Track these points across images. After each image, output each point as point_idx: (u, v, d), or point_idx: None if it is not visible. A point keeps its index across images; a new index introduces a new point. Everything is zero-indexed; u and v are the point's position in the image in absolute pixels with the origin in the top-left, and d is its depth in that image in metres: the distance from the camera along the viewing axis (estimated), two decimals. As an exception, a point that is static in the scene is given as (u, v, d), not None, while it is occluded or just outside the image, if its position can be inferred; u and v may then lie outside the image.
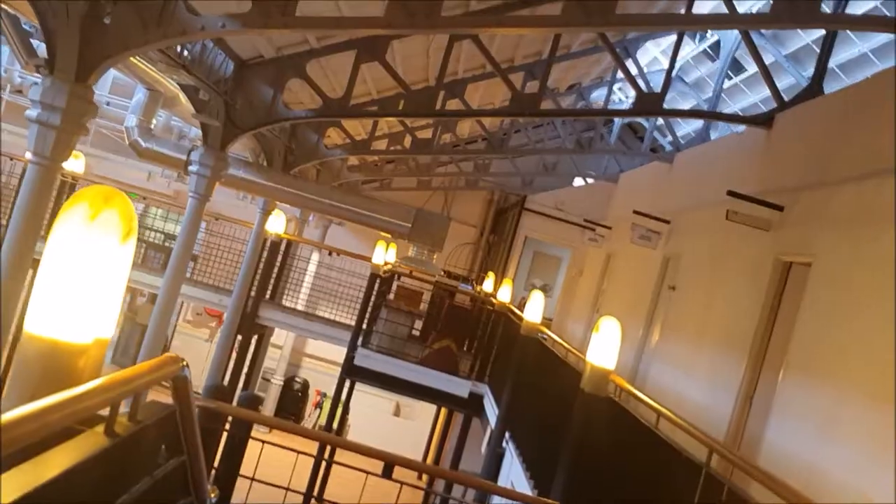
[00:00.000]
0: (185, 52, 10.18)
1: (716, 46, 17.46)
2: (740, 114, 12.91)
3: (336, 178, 19.63)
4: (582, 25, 6.50)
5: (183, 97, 10.81)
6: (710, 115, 12.54)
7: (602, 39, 10.82)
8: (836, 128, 9.16)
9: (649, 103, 10.85)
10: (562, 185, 22.71)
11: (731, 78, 17.02)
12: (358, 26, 6.63)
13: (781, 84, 16.12)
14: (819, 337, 8.17)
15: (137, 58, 8.61)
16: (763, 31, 15.33)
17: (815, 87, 10.83)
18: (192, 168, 11.04)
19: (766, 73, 11.25)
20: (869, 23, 6.87)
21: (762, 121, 11.09)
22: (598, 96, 21.44)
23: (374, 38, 11.00)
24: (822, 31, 13.68)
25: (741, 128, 12.72)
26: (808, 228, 9.04)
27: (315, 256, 21.87)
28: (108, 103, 21.21)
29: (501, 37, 13.38)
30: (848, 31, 12.06)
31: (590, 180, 22.38)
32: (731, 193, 9.91)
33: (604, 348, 6.78)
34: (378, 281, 15.50)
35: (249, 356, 18.68)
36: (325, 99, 11.10)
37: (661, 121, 21.06)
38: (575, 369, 8.56)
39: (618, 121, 22.27)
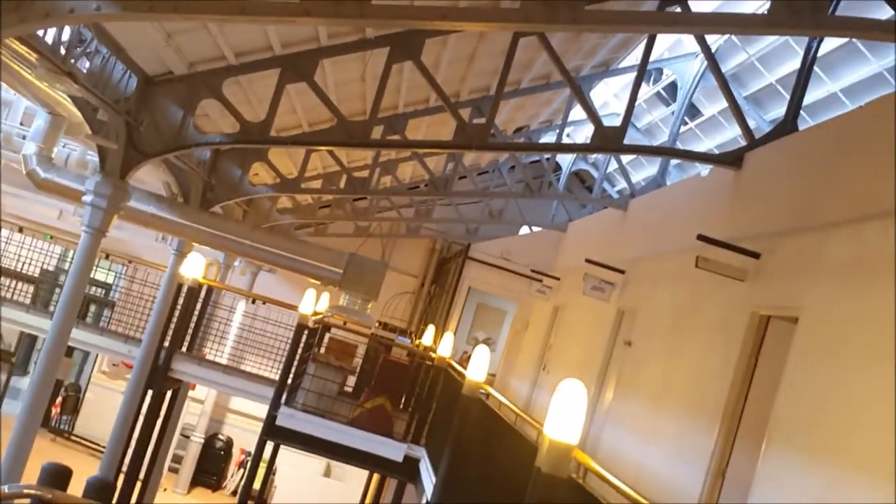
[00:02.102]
0: (83, 66, 8.79)
1: (671, 88, 16.59)
2: (707, 152, 11.83)
3: (265, 221, 18.19)
4: (545, 23, 5.28)
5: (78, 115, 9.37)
6: (675, 152, 11.47)
7: (556, 65, 9.68)
8: (823, 166, 8.09)
9: (608, 139, 9.71)
10: (508, 233, 21.57)
11: (686, 123, 16.13)
12: (269, 13, 5.32)
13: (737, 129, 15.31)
14: (809, 404, 6.97)
15: (10, 58, 7.19)
16: (723, 70, 14.49)
17: (788, 125, 9.83)
18: (86, 199, 9.57)
19: (737, 109, 10.23)
20: (879, 28, 5.78)
21: (731, 160, 10.03)
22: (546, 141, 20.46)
23: (302, 55, 9.75)
24: (794, 67, 12.85)
25: (704, 171, 11.70)
26: (791, 279, 7.90)
27: (242, 306, 20.32)
28: (23, 136, 19.58)
29: (447, 67, 12.24)
30: (816, 69, 11.12)
31: (536, 229, 21.27)
32: (701, 238, 8.76)
33: (565, 418, 5.44)
34: (306, 332, 14.05)
35: (163, 412, 16.99)
36: (243, 123, 9.75)
37: (613, 164, 20.15)
38: (527, 439, 7.23)
39: (566, 168, 21.30)
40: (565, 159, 21.35)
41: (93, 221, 9.53)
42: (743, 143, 12.32)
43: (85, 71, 8.56)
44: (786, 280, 7.98)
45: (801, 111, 10.23)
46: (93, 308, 23.78)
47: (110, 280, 24.39)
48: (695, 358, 9.39)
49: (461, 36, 10.93)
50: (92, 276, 24.18)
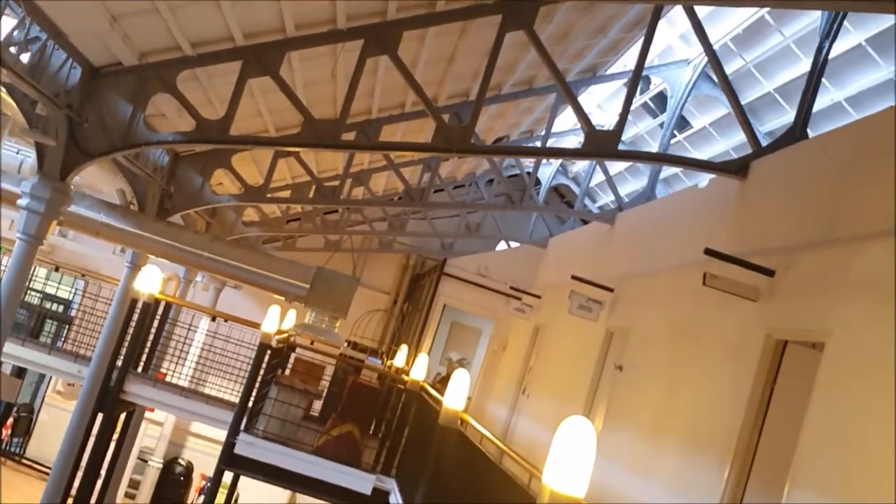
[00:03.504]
0: (20, 55, 7.79)
1: (658, 99, 15.80)
2: (709, 161, 10.99)
3: (230, 234, 17.16)
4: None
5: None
6: (673, 159, 10.64)
7: (544, 60, 8.79)
8: (848, 172, 7.24)
9: (602, 143, 8.82)
10: (485, 249, 20.65)
11: (674, 136, 15.33)
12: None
13: (734, 140, 14.53)
14: (840, 441, 6.08)
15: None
16: (715, 80, 13.71)
17: (797, 132, 9.01)
18: (22, 202, 8.53)
19: (742, 114, 9.39)
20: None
21: (735, 169, 9.18)
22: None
23: (266, 47, 8.78)
24: (794, 75, 12.09)
25: (702, 183, 10.86)
26: (813, 298, 7.02)
27: (204, 324, 19.21)
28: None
29: (424, 68, 11.32)
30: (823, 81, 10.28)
31: (514, 244, 20.37)
32: (709, 253, 7.88)
33: (570, 465, 4.49)
34: (269, 353, 13.03)
35: (116, 436, 15.85)
36: (199, 120, 8.76)
37: (595, 179, 19.32)
38: (514, 480, 6.27)
39: (545, 183, 20.45)
40: (545, 174, 20.54)
41: (28, 228, 8.49)
42: (735, 155, 11.55)
43: (19, 58, 7.56)
44: (806, 300, 7.11)
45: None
46: (51, 326, 22.53)
47: (70, 297, 23.19)
48: (699, 385, 8.49)
49: (441, 31, 10.03)
50: (52, 292, 23.29)
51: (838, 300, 6.58)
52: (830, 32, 9.32)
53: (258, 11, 8.45)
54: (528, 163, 18.23)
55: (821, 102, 11.73)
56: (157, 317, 15.44)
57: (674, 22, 13.27)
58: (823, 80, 11.04)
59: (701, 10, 10.73)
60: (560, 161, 20.46)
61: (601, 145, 8.89)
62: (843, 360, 6.31)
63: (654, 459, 8.96)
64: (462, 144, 8.68)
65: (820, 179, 7.72)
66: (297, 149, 11.11)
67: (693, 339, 8.97)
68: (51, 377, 23.55)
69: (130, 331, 13.81)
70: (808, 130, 9.15)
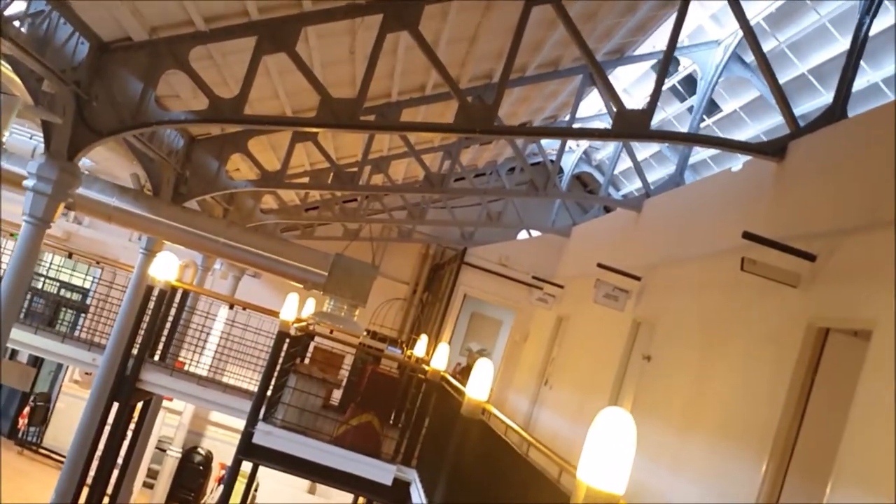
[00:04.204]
0: (22, 28, 7.50)
1: (686, 83, 15.35)
2: (745, 142, 10.55)
3: (248, 221, 16.87)
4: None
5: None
6: (707, 140, 10.19)
7: (574, 38, 8.40)
8: (892, 152, 6.81)
9: (633, 123, 8.42)
10: (506, 238, 20.25)
11: (703, 120, 14.87)
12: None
13: (765, 124, 14.06)
14: (890, 435, 5.67)
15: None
16: (749, 61, 13.26)
17: (837, 111, 8.57)
18: (28, 183, 8.23)
19: (780, 93, 8.95)
20: None
21: (772, 151, 8.75)
22: (550, 143, 19.18)
23: (282, 21, 8.44)
24: (831, 55, 11.62)
25: (735, 166, 10.43)
26: (858, 284, 6.61)
27: (223, 313, 18.96)
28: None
29: (446, 47, 10.94)
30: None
31: (536, 234, 19.96)
32: (748, 236, 7.47)
33: (608, 460, 4.13)
34: (287, 341, 12.74)
35: (133, 426, 15.64)
36: (213, 99, 8.44)
37: (620, 167, 18.86)
38: (543, 475, 5.92)
39: (567, 171, 20.03)
40: (567, 162, 20.11)
41: (35, 210, 8.19)
42: (766, 139, 11.08)
43: (22, 31, 7.26)
44: (851, 286, 6.70)
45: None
46: (67, 315, 22.37)
47: (88, 285, 23.02)
48: (734, 376, 8.09)
49: (464, 7, 9.65)
50: (68, 280, 23.10)
51: (885, 286, 6.17)
52: (871, 8, 8.87)
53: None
54: (551, 151, 17.82)
55: (857, 84, 11.27)
56: (175, 305, 15.20)
57: (704, 2, 12.82)
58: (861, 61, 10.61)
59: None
60: (584, 149, 20.04)
61: (632, 126, 8.49)
62: (891, 349, 5.91)
63: (684, 453, 8.58)
64: (485, 125, 8.31)
65: (864, 160, 7.29)
66: (314, 129, 10.75)
67: (726, 328, 8.57)
68: (67, 366, 23.44)
69: (146, 319, 13.57)
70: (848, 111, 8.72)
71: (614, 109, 8.66)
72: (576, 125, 17.09)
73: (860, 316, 6.45)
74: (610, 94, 8.60)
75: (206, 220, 11.62)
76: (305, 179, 15.80)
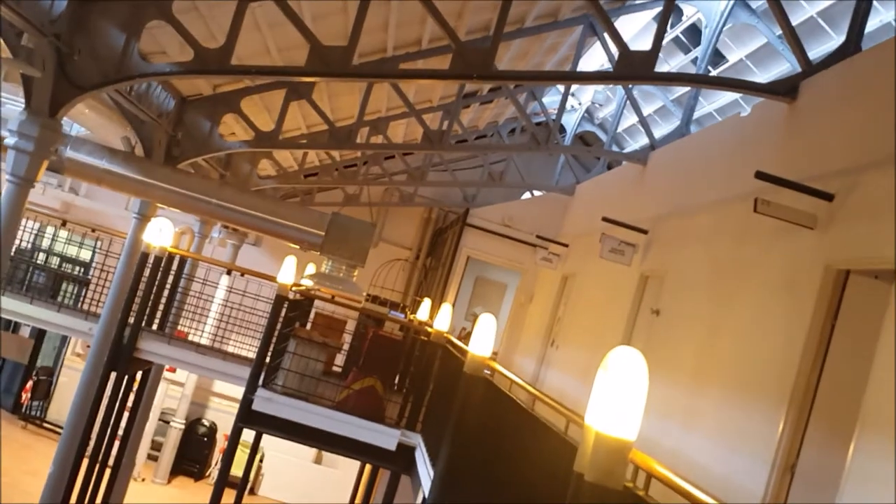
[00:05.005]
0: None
1: (690, 33, 14.91)
2: (754, 82, 10.14)
3: (245, 187, 16.52)
4: None
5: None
6: (716, 81, 9.85)
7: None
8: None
9: (637, 66, 8.05)
10: (509, 198, 19.89)
11: (709, 71, 14.45)
12: None
13: (773, 72, 13.65)
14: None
15: None
16: (753, 7, 12.82)
17: (851, 48, 8.18)
18: (9, 141, 7.90)
19: (791, 31, 8.56)
20: None
21: (784, 91, 8.38)
22: (551, 103, 18.78)
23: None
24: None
25: (743, 113, 10.08)
26: (880, 222, 6.26)
27: (224, 281, 18.68)
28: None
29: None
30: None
31: (539, 193, 19.60)
32: (760, 176, 7.13)
33: (619, 404, 3.80)
34: (286, 305, 12.46)
35: (132, 396, 15.38)
36: (198, 50, 8.07)
37: (622, 125, 18.47)
38: (550, 428, 5.63)
39: (570, 130, 19.65)
40: (569, 121, 19.71)
41: (17, 169, 7.86)
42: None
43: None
44: (873, 224, 6.35)
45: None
46: (70, 287, 22.08)
47: (89, 259, 22.75)
48: (748, 326, 7.77)
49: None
50: (71, 255, 22.81)
51: (912, 222, 5.83)
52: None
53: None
54: (552, 111, 17.40)
55: (870, 24, 10.85)
56: (172, 273, 14.90)
57: (708, -54, 12.39)
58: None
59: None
60: (586, 107, 19.65)
61: (636, 68, 8.12)
62: (920, 288, 5.59)
63: (698, 408, 8.29)
64: (483, 70, 7.95)
65: (883, 92, 6.92)
66: (305, 79, 10.38)
67: (739, 276, 8.25)
68: (69, 339, 23.24)
69: (143, 287, 13.28)
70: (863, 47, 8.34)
71: (616, 59, 8.30)
72: (575, 86, 16.72)
73: (885, 254, 6.11)
74: (612, 35, 8.20)
75: (198, 182, 11.30)
76: (302, 140, 15.44)
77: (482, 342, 7.72)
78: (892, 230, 6.01)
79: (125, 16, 8.10)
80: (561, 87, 17.20)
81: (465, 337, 18.93)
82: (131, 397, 15.32)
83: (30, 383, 22.91)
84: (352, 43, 8.03)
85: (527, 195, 21.33)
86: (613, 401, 3.66)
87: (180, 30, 8.05)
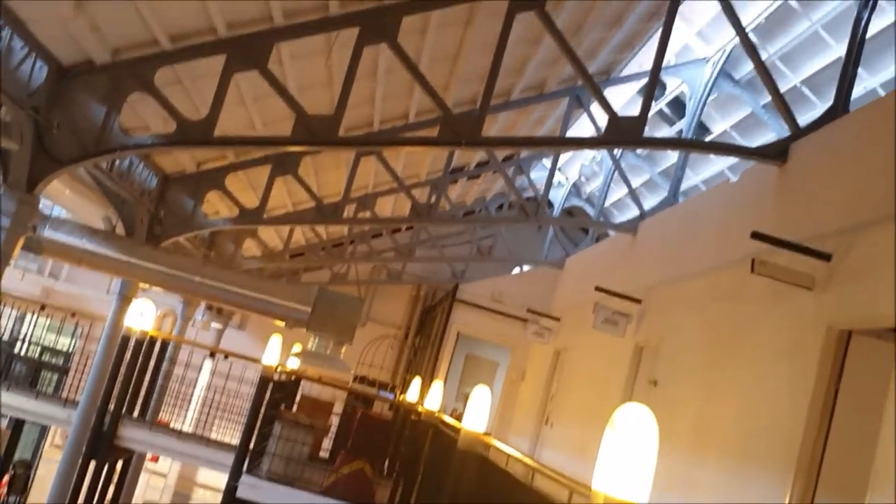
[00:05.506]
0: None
1: (675, 106, 14.98)
2: (745, 146, 10.10)
3: (229, 266, 16.30)
4: None
5: None
6: (706, 146, 9.80)
7: (562, 48, 7.99)
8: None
9: (626, 131, 7.99)
10: (498, 273, 19.72)
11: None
12: None
13: (758, 141, 13.66)
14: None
15: None
16: (737, 78, 12.91)
17: (839, 111, 8.16)
18: (-15, 216, 7.67)
19: (778, 96, 8.55)
20: None
21: (774, 154, 8.32)
22: (538, 178, 18.76)
23: (252, 37, 8.00)
24: (823, 63, 11.25)
25: (734, 178, 10.01)
26: (883, 280, 6.09)
27: (208, 364, 18.30)
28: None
29: (428, 66, 10.49)
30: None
31: (527, 267, 19.46)
32: (757, 236, 6.99)
33: (628, 465, 3.60)
34: (271, 386, 12.13)
35: (113, 486, 14.84)
36: (181, 120, 7.95)
37: (610, 199, 18.46)
38: (548, 500, 5.31)
39: (557, 205, 19.64)
40: (556, 196, 19.70)
41: (-8, 244, 7.62)
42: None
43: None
44: (874, 282, 6.18)
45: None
46: (50, 375, 21.55)
47: (69, 348, 22.30)
48: (749, 392, 7.52)
49: (444, 21, 9.27)
50: (47, 341, 22.35)
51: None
52: (868, 3, 8.51)
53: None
54: (540, 186, 17.38)
55: (854, 91, 10.88)
56: (154, 357, 14.54)
57: (690, 19, 12.49)
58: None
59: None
60: (573, 181, 19.67)
61: (625, 133, 8.06)
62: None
63: (699, 478, 7.97)
64: (471, 137, 7.86)
65: (875, 151, 6.83)
66: (292, 148, 10.25)
67: (736, 342, 8.03)
68: (48, 430, 22.60)
69: (124, 371, 12.92)
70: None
71: (605, 126, 8.24)
72: (563, 155, 16.73)
73: (886, 314, 5.92)
74: (601, 102, 8.15)
75: (180, 259, 11.09)
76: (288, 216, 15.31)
77: (477, 416, 7.45)
78: (892, 289, 5.83)
79: (105, 88, 7.98)
80: (547, 163, 17.22)
81: (457, 418, 18.51)
82: (111, 489, 14.80)
83: (6, 477, 22.17)
84: (338, 111, 7.93)
85: (516, 270, 21.19)
86: (622, 460, 3.44)
87: (162, 101, 7.94)
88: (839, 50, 10.66)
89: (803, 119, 11.81)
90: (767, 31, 11.57)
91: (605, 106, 8.23)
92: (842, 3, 10.12)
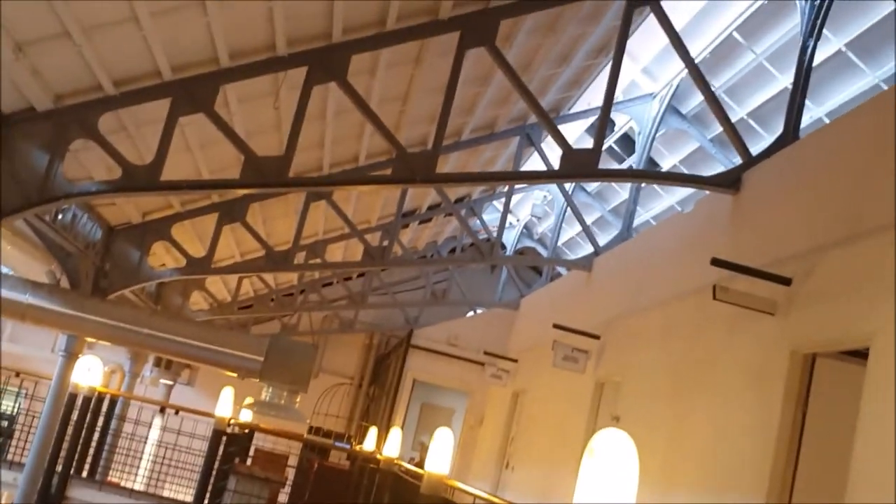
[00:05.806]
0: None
1: (623, 143, 15.10)
2: (699, 175, 10.14)
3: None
4: None
5: None
6: (659, 176, 9.87)
7: (513, 82, 7.98)
8: (867, 159, 6.41)
9: (580, 164, 7.98)
10: (453, 316, 19.56)
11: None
12: None
13: (707, 173, 13.81)
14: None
15: None
16: (684, 112, 13.09)
17: (789, 138, 8.25)
18: (-79, 271, 7.34)
19: (729, 126, 8.61)
20: None
21: (728, 183, 8.36)
22: (490, 220, 18.74)
23: (197, 80, 7.85)
24: (769, 95, 11.43)
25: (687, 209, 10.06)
26: (846, 301, 6.08)
27: (158, 421, 17.77)
28: None
29: (378, 107, 10.42)
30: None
31: (481, 310, 19.34)
32: (717, 263, 6.96)
33: (607, 493, 3.44)
34: (224, 439, 11.81)
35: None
36: (126, 166, 7.74)
37: (568, 235, 18.51)
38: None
39: (510, 246, 19.64)
40: (509, 238, 19.70)
41: (-71, 300, 7.29)
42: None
43: None
44: (837, 304, 6.17)
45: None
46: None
47: (13, 411, 21.49)
48: (714, 421, 7.44)
49: (394, 60, 9.22)
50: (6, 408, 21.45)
51: (877, 298, 5.64)
52: (813, 32, 8.66)
53: (186, 37, 7.55)
54: (493, 228, 17.38)
55: (802, 121, 11.07)
56: (102, 414, 14.08)
57: (636, 56, 12.62)
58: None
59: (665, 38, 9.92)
60: (525, 222, 19.71)
61: (579, 166, 8.04)
62: (893, 360, 5.35)
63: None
64: (426, 174, 7.76)
65: (831, 174, 6.88)
66: (241, 191, 10.05)
67: (700, 370, 7.97)
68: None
69: (71, 430, 12.47)
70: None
71: (560, 160, 8.22)
72: (516, 196, 16.74)
73: (852, 334, 5.90)
74: (555, 135, 8.13)
75: (129, 311, 10.75)
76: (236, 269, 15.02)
77: (440, 459, 7.24)
78: (862, 307, 5.82)
79: (48, 135, 7.74)
80: (499, 205, 17.22)
81: (417, 465, 18.19)
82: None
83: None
84: (288, 152, 7.80)
85: (471, 314, 21.07)
86: (603, 487, 3.30)
87: (107, 147, 7.72)
88: (784, 81, 10.84)
89: (754, 150, 12.10)
90: (713, 66, 11.72)
91: (559, 139, 8.20)
92: (785, 35, 10.28)
